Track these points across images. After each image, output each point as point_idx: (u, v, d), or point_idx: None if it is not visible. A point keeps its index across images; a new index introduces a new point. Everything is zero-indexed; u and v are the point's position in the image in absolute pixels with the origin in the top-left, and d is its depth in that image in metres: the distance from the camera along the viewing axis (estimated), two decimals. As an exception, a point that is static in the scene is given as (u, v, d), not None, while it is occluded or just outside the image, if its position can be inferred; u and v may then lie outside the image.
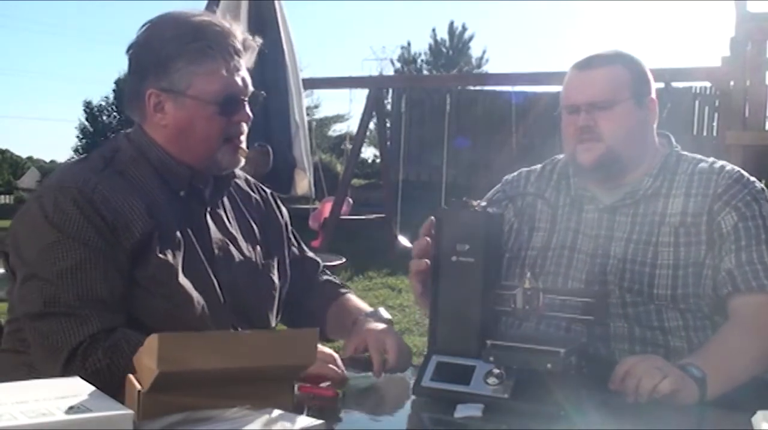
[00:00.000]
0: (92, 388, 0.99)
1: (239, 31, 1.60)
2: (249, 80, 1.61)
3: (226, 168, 1.62)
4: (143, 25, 1.60)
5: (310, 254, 1.90)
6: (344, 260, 5.70)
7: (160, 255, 1.46)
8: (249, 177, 1.82)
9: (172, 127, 1.56)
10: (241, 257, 1.63)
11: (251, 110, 1.61)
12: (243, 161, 1.64)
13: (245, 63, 1.61)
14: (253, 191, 1.79)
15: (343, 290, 1.85)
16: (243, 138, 1.62)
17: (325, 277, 1.89)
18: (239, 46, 1.58)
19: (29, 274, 1.43)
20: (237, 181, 1.75)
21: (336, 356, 1.50)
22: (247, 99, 1.60)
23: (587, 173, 1.81)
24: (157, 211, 1.50)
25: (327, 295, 1.83)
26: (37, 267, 1.42)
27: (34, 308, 1.40)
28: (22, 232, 1.48)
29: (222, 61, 1.55)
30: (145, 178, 1.55)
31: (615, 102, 1.76)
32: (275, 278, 1.70)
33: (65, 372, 1.33)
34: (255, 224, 1.72)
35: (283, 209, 1.84)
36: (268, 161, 4.71)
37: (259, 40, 1.66)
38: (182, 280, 1.48)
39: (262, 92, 1.67)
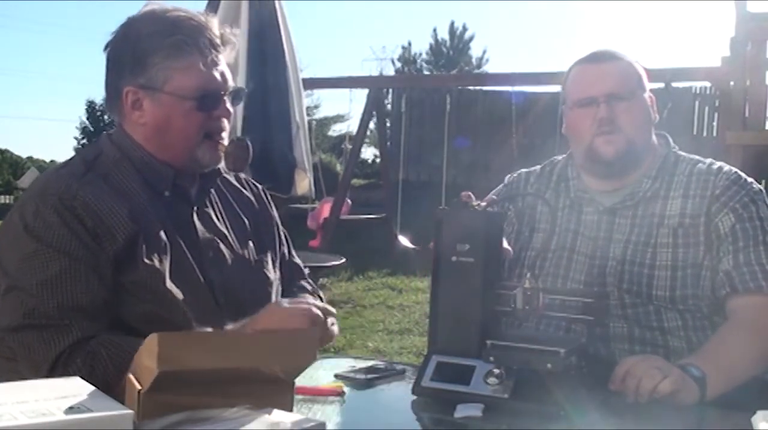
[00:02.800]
0: (92, 388, 0.99)
1: (216, 26, 1.58)
2: (229, 75, 1.59)
3: (207, 165, 1.59)
4: (122, 24, 1.58)
5: (297, 260, 1.85)
6: (344, 260, 5.70)
7: (147, 260, 1.44)
8: (240, 174, 1.79)
9: (150, 124, 1.54)
10: (233, 255, 1.61)
11: (233, 106, 1.59)
12: (222, 158, 1.61)
13: (224, 58, 1.59)
14: (245, 188, 1.77)
15: (301, 292, 1.77)
16: (224, 135, 1.59)
17: (303, 282, 1.82)
18: (217, 40, 1.56)
19: (10, 285, 1.41)
20: (227, 177, 1.73)
21: (307, 306, 1.42)
22: (227, 94, 1.57)
23: (606, 166, 1.79)
24: (141, 215, 1.48)
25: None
26: (18, 278, 1.40)
27: (14, 321, 1.38)
28: (4, 242, 1.46)
29: (199, 56, 1.52)
30: (129, 180, 1.52)
31: (632, 94, 1.78)
32: (270, 273, 1.68)
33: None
34: (247, 219, 1.70)
35: (273, 206, 1.82)
36: (247, 155, 4.66)
37: (237, 32, 1.63)
38: (169, 284, 1.46)
39: (243, 88, 1.64)
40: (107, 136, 1.61)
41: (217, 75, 1.55)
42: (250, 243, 1.67)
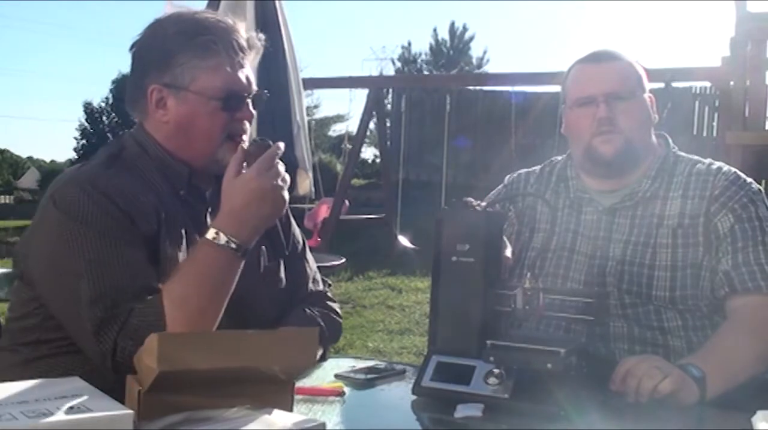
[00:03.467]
0: (92, 388, 0.99)
1: (244, 29, 1.59)
2: (253, 79, 1.59)
3: (226, 167, 1.56)
4: (149, 25, 1.59)
5: (309, 267, 1.76)
6: (344, 260, 5.70)
7: (170, 252, 1.45)
8: None
9: (173, 123, 1.55)
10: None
11: (255, 109, 1.59)
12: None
13: (249, 62, 1.59)
14: None
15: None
16: (245, 137, 1.59)
17: (310, 311, 1.67)
18: (243, 43, 1.57)
19: (61, 272, 1.39)
20: None
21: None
22: (250, 97, 1.58)
23: (605, 166, 1.79)
24: (164, 209, 1.49)
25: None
26: (66, 263, 1.39)
27: (79, 306, 1.36)
28: (42, 233, 1.45)
29: (226, 57, 1.53)
30: (150, 175, 1.53)
31: (632, 94, 1.78)
32: (279, 281, 1.66)
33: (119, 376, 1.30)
34: None
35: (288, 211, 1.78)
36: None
37: (262, 37, 1.63)
38: None
39: (266, 92, 1.64)
40: (129, 134, 1.61)
41: (242, 77, 1.56)
42: (263, 248, 1.65)
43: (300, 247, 1.77)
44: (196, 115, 1.54)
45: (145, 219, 1.44)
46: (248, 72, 1.58)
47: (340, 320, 1.74)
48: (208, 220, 1.58)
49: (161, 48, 1.54)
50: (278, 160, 1.47)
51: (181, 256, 1.48)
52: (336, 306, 1.75)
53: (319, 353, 1.62)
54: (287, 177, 1.48)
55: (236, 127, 1.57)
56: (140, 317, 1.34)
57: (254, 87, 1.60)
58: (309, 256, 1.80)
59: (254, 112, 1.60)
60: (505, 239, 1.56)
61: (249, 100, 1.58)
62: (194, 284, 1.38)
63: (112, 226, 1.41)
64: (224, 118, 1.55)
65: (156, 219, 1.46)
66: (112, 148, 1.58)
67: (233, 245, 1.40)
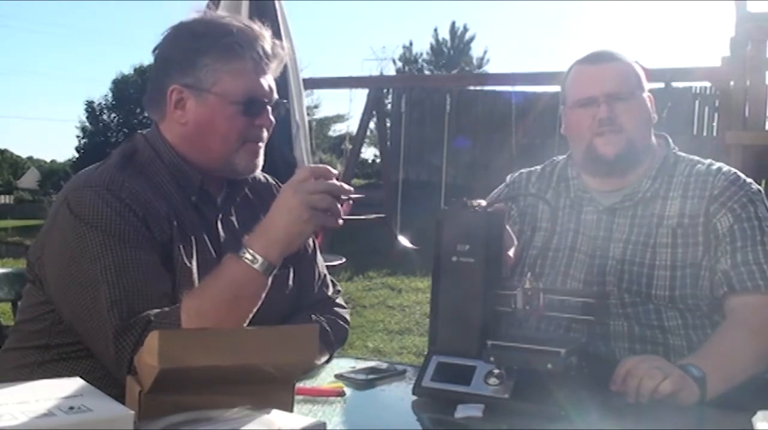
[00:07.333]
0: (93, 388, 0.99)
1: (269, 36, 1.58)
2: (274, 87, 1.59)
3: (242, 172, 1.58)
4: (173, 26, 1.59)
5: (318, 269, 1.75)
6: (344, 260, 5.70)
7: (186, 262, 1.44)
8: (279, 182, 1.74)
9: (191, 125, 1.54)
10: None
11: (274, 117, 1.58)
12: (259, 166, 1.60)
13: (272, 70, 1.59)
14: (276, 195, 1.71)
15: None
16: (261, 144, 1.58)
17: (315, 318, 1.65)
18: (268, 50, 1.56)
19: (77, 278, 1.38)
20: (261, 184, 1.71)
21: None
22: (271, 104, 1.57)
23: (606, 166, 1.80)
24: (175, 215, 1.48)
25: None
26: (82, 269, 1.38)
27: (95, 314, 1.35)
28: (56, 237, 1.44)
29: (250, 61, 1.53)
30: (163, 180, 1.52)
31: (632, 94, 1.78)
32: (287, 290, 1.64)
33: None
34: None
35: None
36: None
37: (286, 46, 1.62)
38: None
39: (284, 101, 1.62)
40: (142, 135, 1.60)
41: (265, 84, 1.55)
42: None
43: (311, 249, 1.75)
44: (215, 118, 1.53)
45: (159, 225, 1.44)
46: (270, 80, 1.58)
47: (347, 327, 1.72)
48: (220, 227, 1.57)
49: (185, 49, 1.54)
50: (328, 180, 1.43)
51: (194, 263, 1.47)
52: (345, 313, 1.74)
53: (324, 358, 1.62)
54: (329, 198, 1.42)
55: (254, 133, 1.56)
56: (151, 323, 1.33)
57: (275, 95, 1.59)
58: (319, 259, 1.78)
59: (273, 119, 1.58)
60: (512, 234, 1.56)
61: (269, 108, 1.57)
62: (210, 297, 1.36)
63: (129, 231, 1.40)
64: (243, 123, 1.54)
65: (169, 225, 1.45)
66: (124, 149, 1.57)
67: (247, 255, 1.36)
